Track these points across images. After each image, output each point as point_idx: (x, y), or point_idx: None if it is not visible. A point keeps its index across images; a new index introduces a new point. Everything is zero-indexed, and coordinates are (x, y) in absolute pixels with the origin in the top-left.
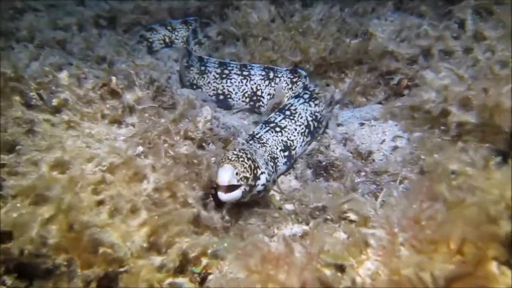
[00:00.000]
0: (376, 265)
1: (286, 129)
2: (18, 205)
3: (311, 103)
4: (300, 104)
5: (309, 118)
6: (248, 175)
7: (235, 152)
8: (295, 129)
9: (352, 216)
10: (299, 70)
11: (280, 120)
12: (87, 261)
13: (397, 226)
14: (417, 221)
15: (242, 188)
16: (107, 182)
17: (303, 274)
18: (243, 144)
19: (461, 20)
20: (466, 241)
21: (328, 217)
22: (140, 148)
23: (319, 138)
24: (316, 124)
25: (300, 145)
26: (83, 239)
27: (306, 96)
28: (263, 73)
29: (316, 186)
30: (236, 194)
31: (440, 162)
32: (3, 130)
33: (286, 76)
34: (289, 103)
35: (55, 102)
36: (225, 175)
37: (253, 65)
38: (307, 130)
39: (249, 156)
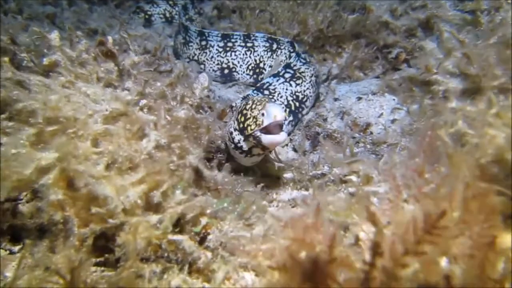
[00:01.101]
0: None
1: None
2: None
3: (291, 82)
4: (280, 83)
5: (289, 98)
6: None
7: (260, 97)
8: None
9: (354, 179)
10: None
11: None
12: (84, 219)
13: (401, 180)
14: (421, 173)
15: (286, 125)
16: (109, 134)
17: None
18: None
19: None
20: (469, 198)
21: (329, 180)
22: (144, 101)
23: (303, 118)
24: (297, 104)
25: None
26: (81, 196)
27: (287, 75)
28: (267, 44)
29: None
30: (287, 130)
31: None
32: None
33: (287, 49)
34: (268, 82)
35: (46, 61)
36: (279, 110)
37: (256, 35)
38: (287, 110)
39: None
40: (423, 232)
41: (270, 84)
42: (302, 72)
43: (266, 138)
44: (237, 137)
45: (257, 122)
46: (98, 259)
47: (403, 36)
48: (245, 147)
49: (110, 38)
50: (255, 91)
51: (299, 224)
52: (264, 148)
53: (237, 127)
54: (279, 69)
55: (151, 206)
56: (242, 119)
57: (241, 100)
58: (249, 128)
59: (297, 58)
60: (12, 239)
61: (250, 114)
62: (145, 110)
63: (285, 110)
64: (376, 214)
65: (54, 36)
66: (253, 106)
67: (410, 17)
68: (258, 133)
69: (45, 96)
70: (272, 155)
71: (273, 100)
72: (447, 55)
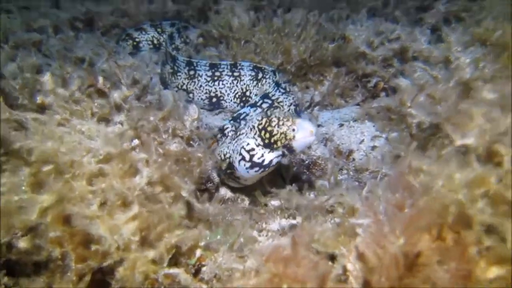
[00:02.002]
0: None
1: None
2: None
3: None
4: (257, 113)
5: None
6: None
7: (283, 113)
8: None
9: (340, 210)
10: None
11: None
12: (82, 255)
13: (383, 214)
14: (401, 208)
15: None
16: (103, 174)
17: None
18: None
19: (433, 26)
20: (444, 227)
21: (316, 209)
22: (136, 141)
23: None
24: None
25: None
26: (78, 233)
27: (265, 105)
28: (253, 73)
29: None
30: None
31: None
32: None
33: (271, 78)
34: (244, 112)
35: (39, 100)
36: (311, 124)
37: (243, 64)
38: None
39: None
40: (404, 268)
41: (247, 114)
42: (281, 101)
43: (298, 143)
44: (260, 152)
45: (288, 137)
46: None
47: (381, 66)
48: (266, 160)
49: (100, 79)
50: (231, 122)
51: (278, 257)
52: (293, 152)
53: (261, 143)
54: (256, 99)
55: (147, 241)
56: (267, 135)
57: (235, 123)
58: (278, 142)
59: (276, 88)
60: (7, 274)
61: (277, 131)
62: (137, 149)
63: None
64: (365, 253)
65: (47, 79)
66: (280, 123)
67: (386, 47)
68: (287, 143)
69: (41, 139)
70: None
71: None
72: (420, 91)
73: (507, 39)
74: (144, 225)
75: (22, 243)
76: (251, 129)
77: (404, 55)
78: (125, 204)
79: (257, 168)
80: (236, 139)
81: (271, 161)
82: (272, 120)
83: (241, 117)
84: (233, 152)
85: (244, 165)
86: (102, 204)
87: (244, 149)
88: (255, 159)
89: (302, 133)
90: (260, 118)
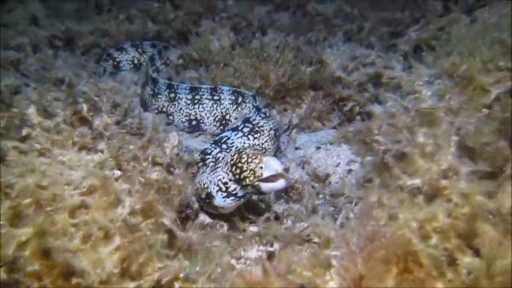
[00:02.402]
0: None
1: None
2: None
3: (250, 136)
4: (238, 137)
5: None
6: None
7: (255, 149)
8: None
9: (315, 239)
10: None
11: (216, 154)
12: (60, 287)
13: (355, 246)
14: (372, 240)
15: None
16: (85, 206)
17: None
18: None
19: (405, 52)
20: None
21: (293, 237)
22: (118, 172)
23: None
24: None
25: None
26: (57, 266)
27: (245, 129)
28: (233, 97)
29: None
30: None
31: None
32: None
33: (251, 102)
34: (226, 136)
35: (24, 132)
36: (277, 163)
37: (222, 88)
38: None
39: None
40: None
41: (228, 138)
42: (261, 126)
43: (266, 186)
44: (233, 186)
45: (256, 175)
46: None
47: (356, 90)
48: (240, 194)
49: (85, 107)
50: (213, 145)
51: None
52: (263, 193)
53: (233, 178)
54: (238, 124)
55: (128, 272)
56: (238, 171)
57: (208, 160)
58: (247, 179)
59: (256, 113)
60: None
61: (247, 167)
62: (119, 180)
63: None
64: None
65: (31, 111)
66: (249, 160)
67: (361, 72)
68: (256, 183)
69: (21, 171)
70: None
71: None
72: (391, 118)
73: (472, 73)
74: (125, 256)
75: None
76: (225, 164)
77: (379, 80)
78: (108, 236)
79: (233, 198)
80: (214, 171)
81: (244, 194)
82: (242, 156)
83: (223, 140)
84: (211, 183)
85: (221, 194)
86: (85, 237)
87: (221, 181)
88: (230, 190)
89: (268, 172)
90: (233, 154)
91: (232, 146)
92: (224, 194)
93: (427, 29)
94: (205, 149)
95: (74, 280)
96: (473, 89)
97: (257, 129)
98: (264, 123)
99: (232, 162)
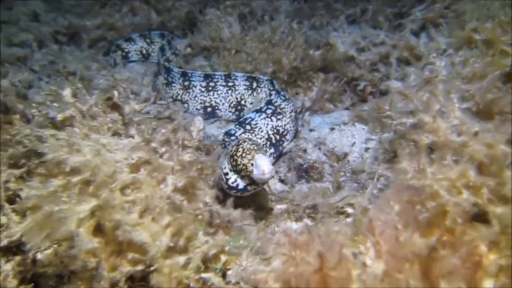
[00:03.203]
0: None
1: None
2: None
3: (273, 117)
4: (262, 118)
5: (270, 132)
6: None
7: (251, 143)
8: None
9: (350, 210)
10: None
11: (240, 134)
12: (112, 263)
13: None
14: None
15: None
16: (137, 183)
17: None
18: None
19: (414, 31)
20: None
21: (324, 212)
22: (163, 148)
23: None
24: (278, 137)
25: None
26: (112, 242)
27: (269, 111)
28: (247, 83)
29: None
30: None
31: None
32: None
33: (266, 87)
34: (250, 117)
35: (60, 117)
36: (267, 163)
37: (236, 74)
38: (268, 143)
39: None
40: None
41: (252, 119)
42: (283, 108)
43: (256, 176)
44: (233, 176)
45: (248, 170)
46: None
47: (368, 70)
48: (241, 185)
49: (116, 93)
50: (237, 126)
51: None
52: (258, 184)
53: (232, 169)
54: (261, 105)
55: (176, 248)
56: (234, 163)
57: (231, 141)
58: (242, 172)
59: (277, 95)
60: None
61: (241, 162)
62: (164, 157)
63: (266, 143)
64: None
65: (67, 93)
66: (243, 155)
67: (372, 52)
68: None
69: (70, 151)
70: (267, 188)
71: (253, 135)
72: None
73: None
74: (175, 231)
75: (44, 256)
76: (227, 154)
77: (388, 58)
78: (160, 212)
79: (234, 191)
80: (224, 158)
81: (245, 187)
82: (238, 150)
83: (247, 121)
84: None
85: (226, 187)
86: (142, 212)
87: (222, 171)
88: (229, 182)
89: (257, 170)
90: (232, 145)
91: (255, 127)
92: (225, 186)
93: (433, 8)
94: (229, 129)
95: (129, 255)
96: (494, 53)
97: (279, 110)
98: (286, 105)
99: (231, 153)
